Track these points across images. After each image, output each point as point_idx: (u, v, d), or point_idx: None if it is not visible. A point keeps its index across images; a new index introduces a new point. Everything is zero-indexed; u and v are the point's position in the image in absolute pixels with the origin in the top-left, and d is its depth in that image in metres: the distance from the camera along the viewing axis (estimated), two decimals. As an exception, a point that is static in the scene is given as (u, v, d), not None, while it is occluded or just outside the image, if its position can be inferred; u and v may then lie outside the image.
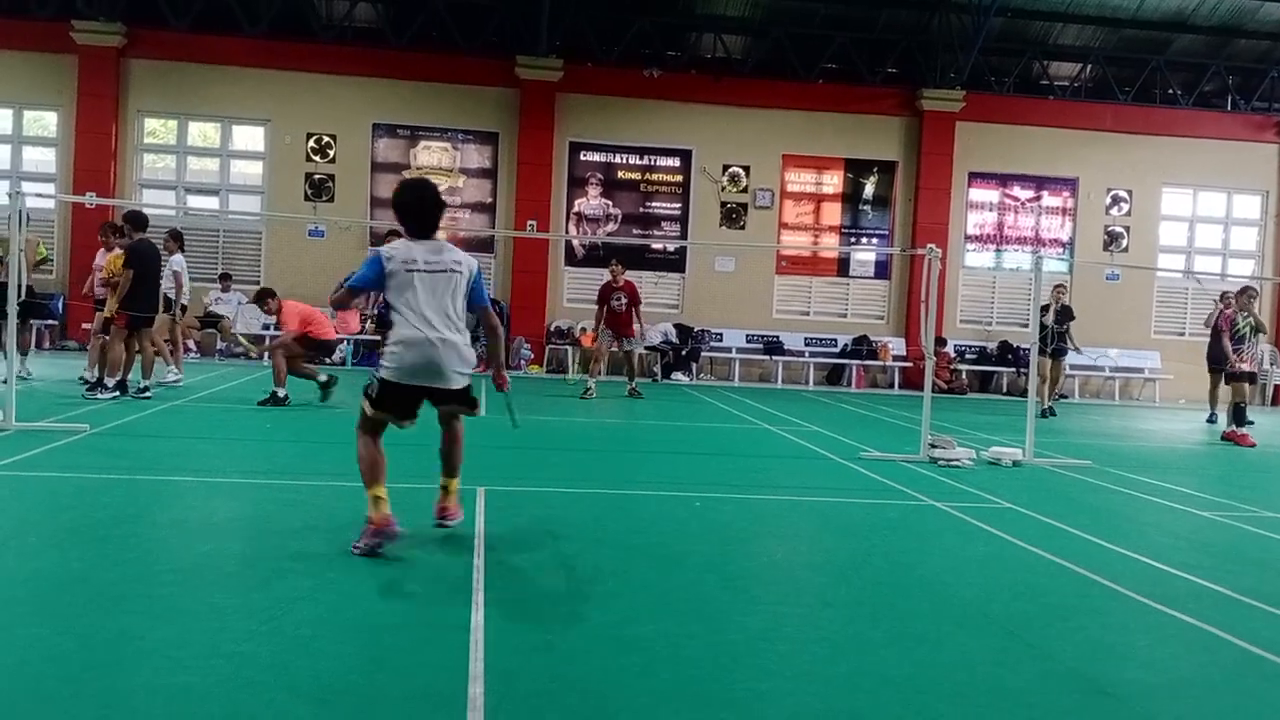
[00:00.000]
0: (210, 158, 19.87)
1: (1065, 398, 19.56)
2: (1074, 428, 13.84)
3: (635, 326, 14.78)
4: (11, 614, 3.80)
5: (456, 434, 5.38)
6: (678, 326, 19.56)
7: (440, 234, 5.25)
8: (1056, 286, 15.80)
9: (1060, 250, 21.25)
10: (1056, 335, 15.11)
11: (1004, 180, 21.26)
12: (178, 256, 12.57)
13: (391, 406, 5.00)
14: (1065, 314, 15.49)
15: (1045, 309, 15.00)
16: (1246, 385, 13.07)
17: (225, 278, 18.79)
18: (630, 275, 15.22)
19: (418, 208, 5.14)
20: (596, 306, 14.98)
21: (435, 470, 5.45)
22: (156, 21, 18.66)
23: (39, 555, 4.67)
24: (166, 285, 12.17)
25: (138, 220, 11.20)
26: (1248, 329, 13.06)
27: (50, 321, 18.02)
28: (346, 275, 5.69)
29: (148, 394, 11.08)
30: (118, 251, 11.60)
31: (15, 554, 4.66)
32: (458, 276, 5.02)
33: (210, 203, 19.95)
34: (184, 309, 12.96)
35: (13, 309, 8.73)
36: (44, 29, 18.35)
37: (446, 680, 3.29)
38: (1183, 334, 21.22)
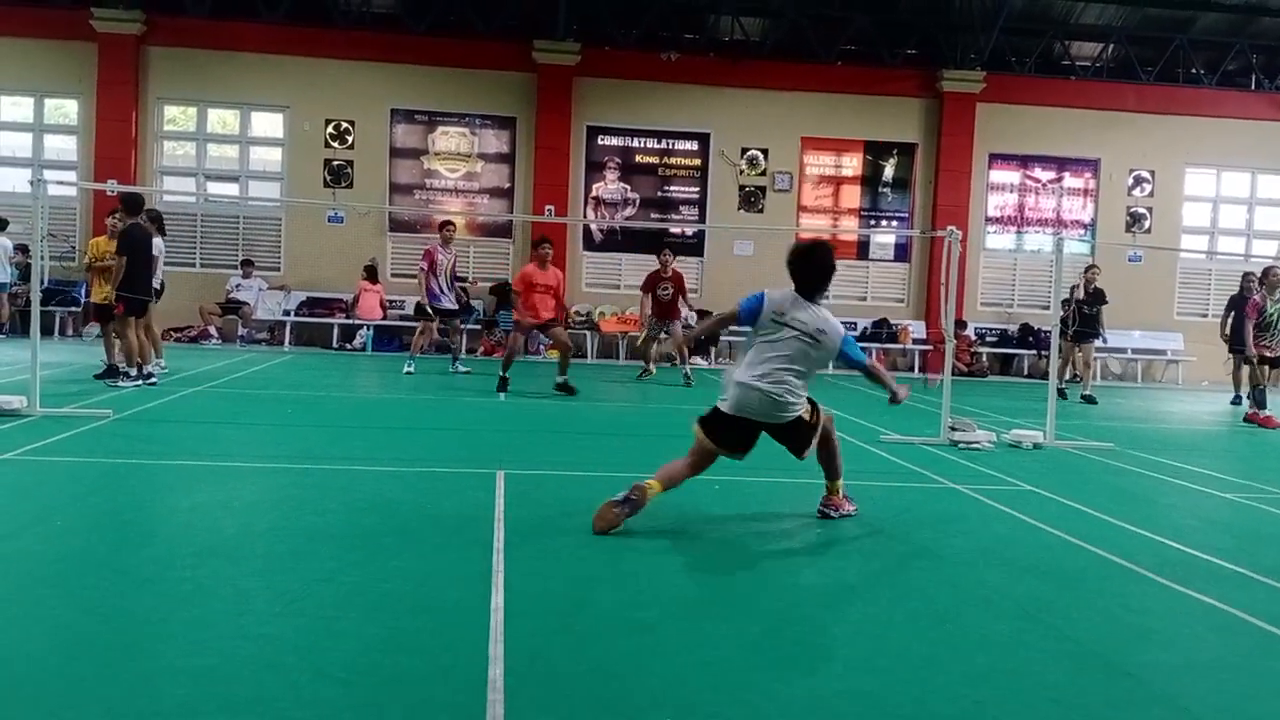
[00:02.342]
0: (229, 144, 19.93)
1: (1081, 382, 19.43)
2: (1096, 410, 13.77)
3: (682, 311, 14.94)
4: (38, 596, 3.84)
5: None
6: (697, 311, 19.53)
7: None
8: (1090, 268, 15.47)
9: (1082, 232, 21.08)
10: (1084, 318, 14.88)
11: (1025, 161, 21.10)
12: (157, 240, 12.23)
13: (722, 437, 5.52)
14: (1098, 297, 15.24)
15: (1074, 290, 14.87)
16: (1267, 368, 12.92)
17: (247, 264, 18.88)
18: (649, 258, 15.22)
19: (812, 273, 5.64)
20: (642, 294, 15.05)
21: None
22: (175, 8, 18.70)
23: (64, 539, 4.73)
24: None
25: (132, 204, 11.07)
26: (1276, 315, 12.82)
27: (73, 309, 18.14)
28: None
29: (153, 379, 11.04)
30: (106, 235, 11.48)
31: (41, 537, 4.71)
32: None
33: (230, 189, 20.02)
34: (158, 294, 12.57)
35: (35, 295, 8.79)
36: (64, 17, 18.42)
37: (467, 661, 3.31)
38: (1206, 315, 21.00)
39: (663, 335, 15.17)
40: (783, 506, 6.45)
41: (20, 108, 19.21)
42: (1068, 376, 15.56)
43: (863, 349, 5.89)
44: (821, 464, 5.83)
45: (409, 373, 13.91)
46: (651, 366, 15.01)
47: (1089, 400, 14.69)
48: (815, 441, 5.61)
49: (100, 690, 3.00)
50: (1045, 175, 21.17)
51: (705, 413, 5.56)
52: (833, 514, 5.80)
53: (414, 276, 18.72)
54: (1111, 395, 16.66)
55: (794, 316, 5.44)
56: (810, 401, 5.61)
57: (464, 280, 17.22)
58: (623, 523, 5.07)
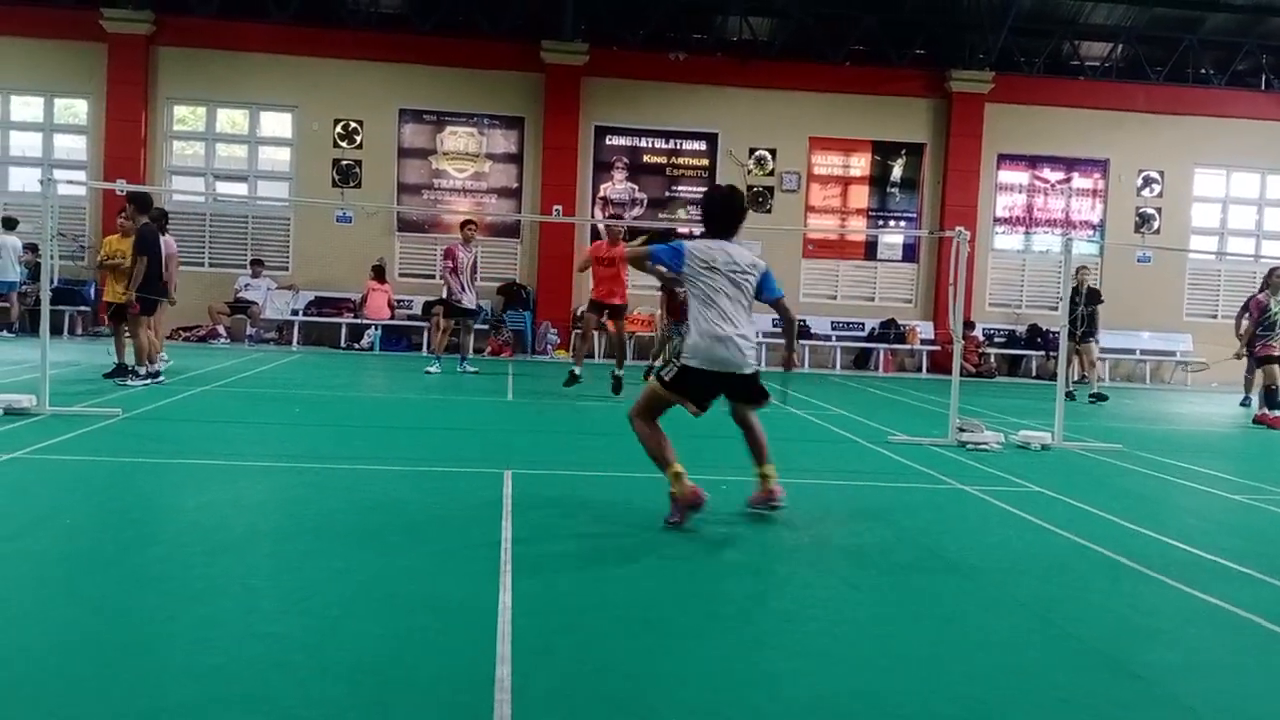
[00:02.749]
0: (238, 144, 19.99)
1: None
2: (1104, 411, 13.74)
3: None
4: (46, 595, 3.86)
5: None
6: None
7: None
8: (1080, 269, 15.52)
9: (1091, 232, 21.04)
10: (1085, 318, 14.91)
11: (1033, 162, 21.06)
12: (167, 238, 12.14)
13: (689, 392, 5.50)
14: (1093, 297, 15.30)
15: (1075, 292, 14.85)
16: (1277, 368, 12.88)
17: (257, 263, 18.93)
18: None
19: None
20: (661, 294, 15.11)
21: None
22: (184, 8, 18.76)
23: (73, 537, 4.74)
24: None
25: (143, 203, 11.08)
26: (1279, 314, 12.84)
27: (82, 308, 18.20)
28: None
29: (161, 379, 11.05)
30: (119, 234, 11.47)
31: (50, 536, 4.73)
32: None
33: (239, 189, 20.07)
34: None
35: (45, 295, 8.83)
36: (74, 17, 18.49)
37: (474, 660, 3.32)
38: (1215, 317, 20.97)
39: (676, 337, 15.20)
40: (787, 507, 6.45)
41: (30, 107, 19.29)
42: (1075, 378, 15.52)
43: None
44: (750, 445, 5.80)
45: (432, 372, 13.89)
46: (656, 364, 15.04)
47: (1099, 398, 14.65)
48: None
49: (108, 688, 3.01)
50: (1054, 176, 21.13)
51: (667, 375, 5.53)
52: (780, 504, 5.72)
53: (422, 276, 18.90)
54: (1120, 396, 16.62)
55: (726, 259, 5.54)
56: None
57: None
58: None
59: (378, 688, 3.09)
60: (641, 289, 17.77)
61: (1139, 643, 3.94)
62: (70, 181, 18.23)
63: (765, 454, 5.80)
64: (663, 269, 5.77)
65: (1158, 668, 3.65)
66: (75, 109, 19.35)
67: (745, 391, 5.65)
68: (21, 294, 17.52)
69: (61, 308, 17.24)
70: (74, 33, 18.56)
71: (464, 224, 14.62)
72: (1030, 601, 4.38)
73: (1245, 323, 13.56)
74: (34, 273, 16.86)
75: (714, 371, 5.44)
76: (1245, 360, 14.76)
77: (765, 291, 5.69)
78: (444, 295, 14.66)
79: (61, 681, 3.05)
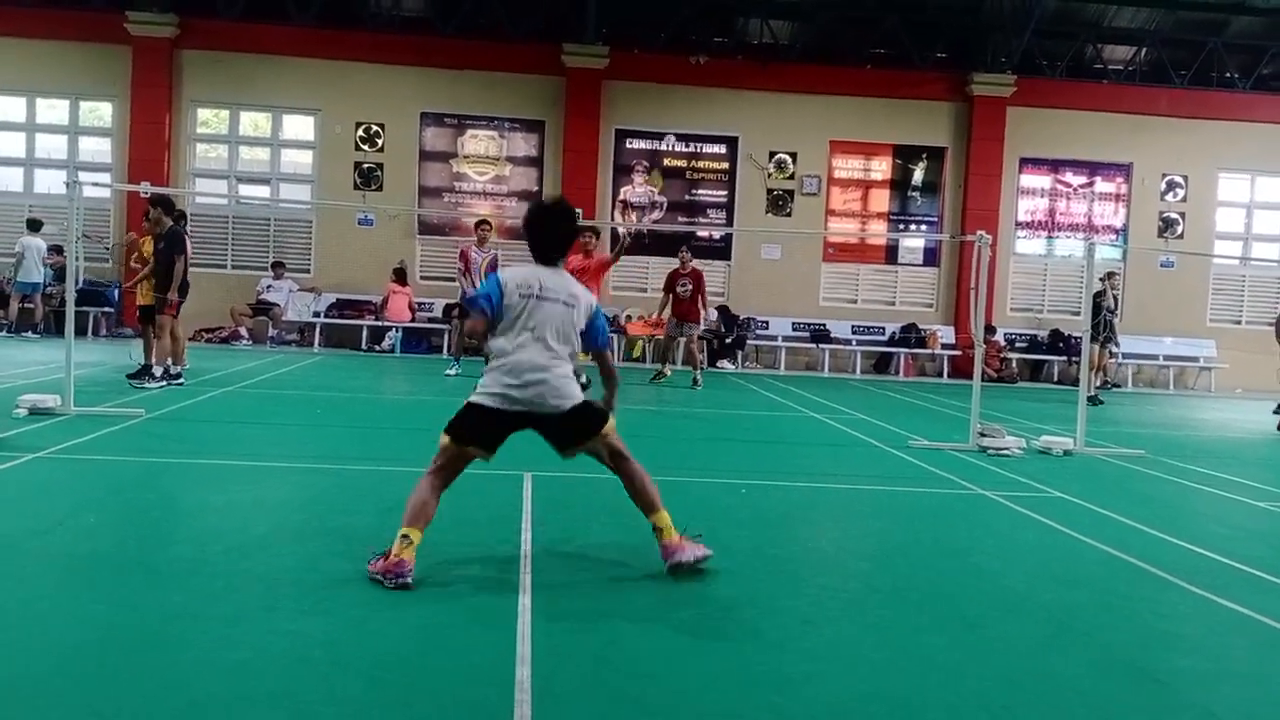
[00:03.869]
0: (261, 147, 20.12)
1: (1118, 386, 19.30)
2: (1127, 417, 13.65)
3: (700, 312, 15.01)
4: (72, 592, 3.89)
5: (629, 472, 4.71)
6: (721, 310, 19.48)
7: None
8: (1109, 274, 15.58)
9: (1114, 237, 20.91)
10: (1107, 324, 14.88)
11: (1056, 166, 20.96)
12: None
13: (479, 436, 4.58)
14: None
15: (1099, 295, 14.79)
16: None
17: (278, 266, 19.04)
18: (674, 263, 15.32)
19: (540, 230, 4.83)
20: (663, 294, 15.17)
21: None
22: (208, 12, 18.91)
23: (97, 535, 4.78)
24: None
25: (170, 205, 11.16)
26: None
27: (106, 309, 18.35)
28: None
29: (181, 380, 11.09)
30: (149, 236, 11.51)
31: (74, 534, 4.77)
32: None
33: (261, 191, 20.20)
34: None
35: (70, 296, 8.90)
36: (99, 20, 18.66)
37: (494, 661, 3.33)
38: (1239, 322, 20.82)
39: (682, 338, 15.27)
40: (805, 509, 6.44)
41: (56, 110, 19.48)
42: (1098, 383, 15.44)
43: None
44: (632, 495, 4.67)
45: (451, 375, 13.92)
46: (667, 369, 15.12)
47: (1094, 401, 14.58)
48: (608, 429, 4.62)
49: (134, 683, 3.03)
50: (1076, 180, 21.03)
51: (454, 417, 4.60)
52: (686, 558, 4.47)
53: (442, 279, 18.93)
54: (1142, 402, 16.51)
55: (543, 286, 4.57)
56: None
57: None
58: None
59: (399, 686, 3.10)
60: (655, 292, 17.77)
61: (1162, 649, 3.91)
62: (95, 184, 18.41)
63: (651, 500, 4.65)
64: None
65: (1181, 674, 3.62)
66: (100, 112, 19.52)
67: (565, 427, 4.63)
68: (46, 295, 17.68)
69: (86, 309, 17.40)
70: (99, 36, 18.73)
71: (477, 224, 14.60)
72: (1053, 607, 4.35)
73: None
74: (59, 274, 17.01)
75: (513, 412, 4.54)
76: None
77: (592, 330, 4.73)
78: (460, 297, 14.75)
79: (91, 676, 3.07)
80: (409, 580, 4.07)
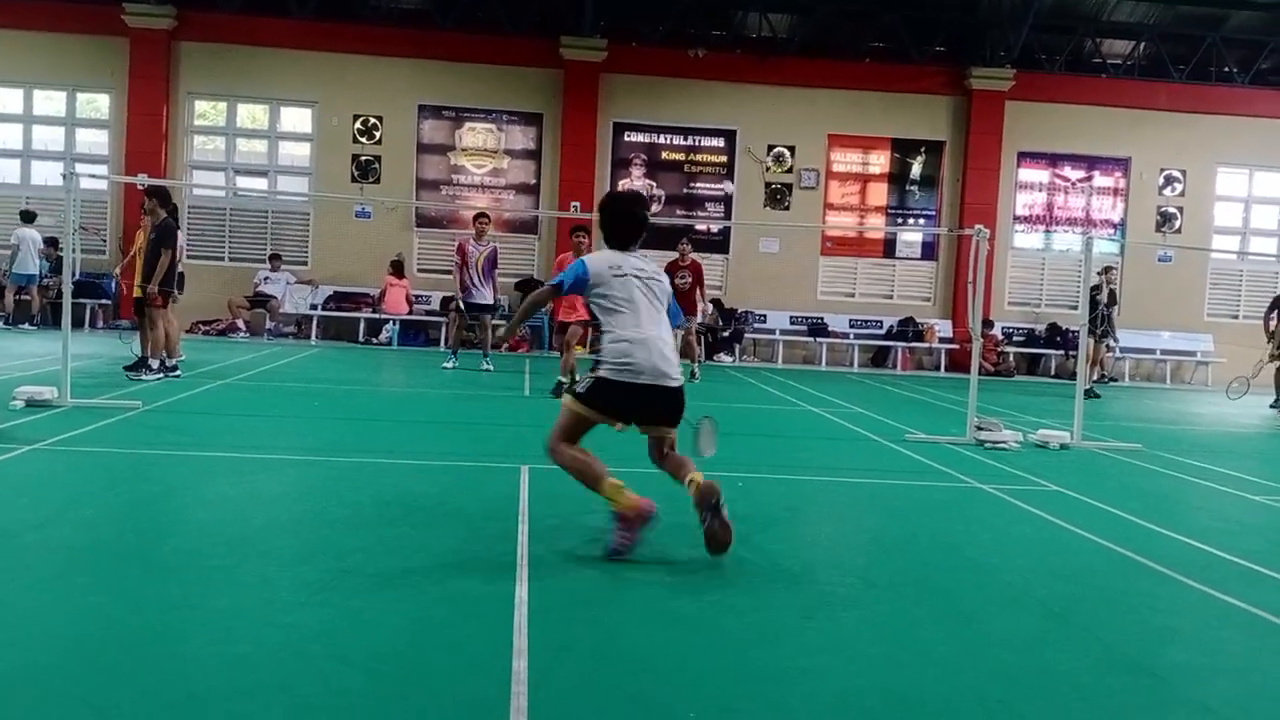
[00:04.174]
0: (259, 139, 20.07)
1: (1115, 380, 19.32)
2: (1124, 411, 13.67)
3: (699, 305, 15.04)
4: (70, 584, 3.89)
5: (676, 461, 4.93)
6: (717, 304, 19.44)
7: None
8: (1107, 268, 15.60)
9: (1111, 231, 20.91)
10: (1105, 318, 14.90)
11: (1054, 160, 20.95)
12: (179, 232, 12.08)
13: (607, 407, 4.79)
14: (1111, 297, 15.32)
15: (1095, 289, 14.81)
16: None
17: (275, 258, 19.01)
18: (672, 256, 15.30)
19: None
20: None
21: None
22: (206, 4, 18.85)
23: (95, 527, 4.78)
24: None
25: (165, 196, 11.12)
26: None
27: (104, 301, 18.32)
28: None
29: (177, 372, 11.09)
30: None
31: (72, 526, 4.77)
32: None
33: (259, 184, 20.16)
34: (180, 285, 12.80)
35: (67, 289, 8.89)
36: (96, 12, 18.59)
37: (491, 653, 3.33)
38: (1236, 317, 20.83)
39: (680, 330, 15.34)
40: (803, 503, 6.45)
41: (53, 101, 19.42)
42: (1094, 377, 15.45)
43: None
44: (672, 471, 4.87)
45: (449, 368, 13.90)
46: None
47: (1091, 395, 14.59)
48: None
49: (132, 675, 3.03)
50: (1075, 174, 21.02)
51: (583, 388, 4.79)
52: (718, 490, 4.65)
53: (440, 272, 18.91)
54: (1140, 396, 16.54)
55: (631, 266, 4.90)
56: None
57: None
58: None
59: (395, 679, 3.11)
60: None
61: (1159, 643, 3.92)
62: (92, 175, 18.33)
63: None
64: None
65: (1178, 668, 3.63)
66: (97, 103, 19.48)
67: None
68: (42, 287, 17.66)
69: (83, 301, 17.38)
70: (96, 28, 18.66)
71: (476, 218, 14.61)
72: (1050, 601, 4.36)
73: (1275, 319, 13.45)
74: (55, 266, 16.99)
75: (640, 385, 4.73)
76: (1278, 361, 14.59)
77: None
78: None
79: (91, 669, 3.08)
80: (655, 509, 4.52)
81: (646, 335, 4.75)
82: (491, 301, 14.64)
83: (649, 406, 4.80)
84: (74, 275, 8.96)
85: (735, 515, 5.66)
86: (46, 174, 19.06)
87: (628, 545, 4.54)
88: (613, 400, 4.75)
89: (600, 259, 4.98)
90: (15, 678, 2.97)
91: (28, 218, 17.40)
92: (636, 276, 4.88)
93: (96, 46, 18.80)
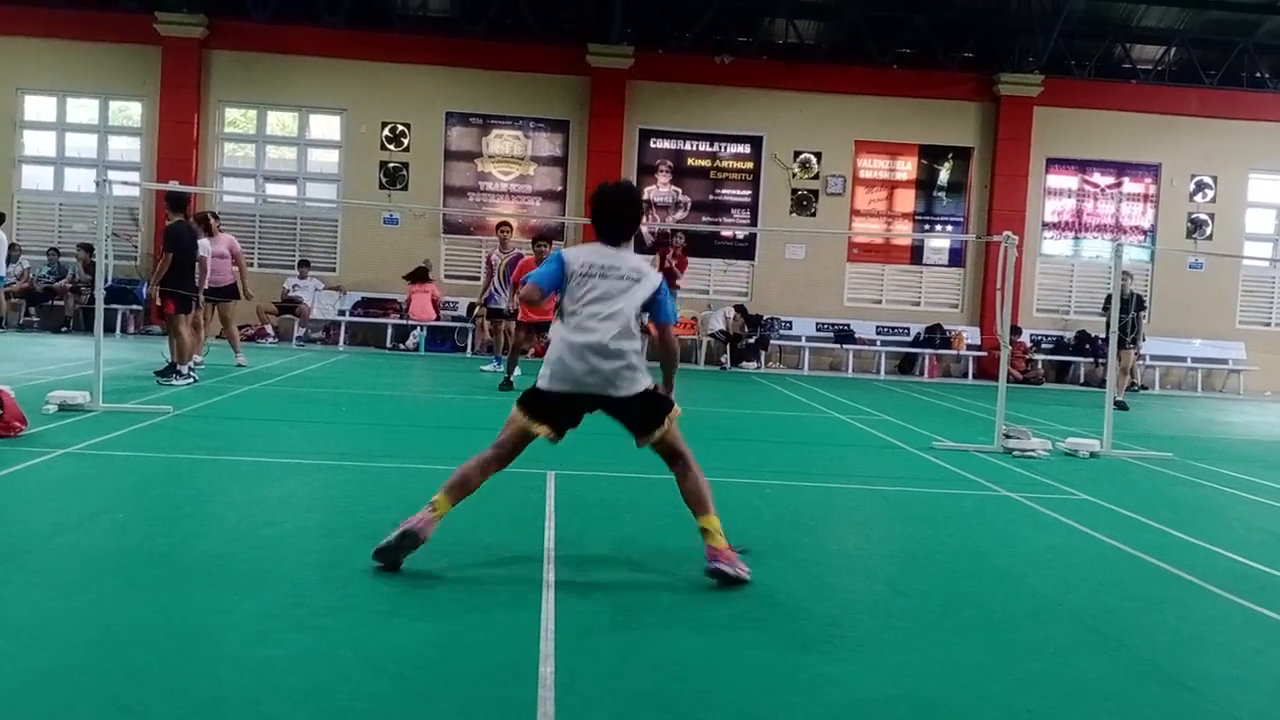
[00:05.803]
0: (288, 146, 20.24)
1: (1145, 388, 19.15)
2: (1154, 420, 13.54)
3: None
4: (101, 588, 3.92)
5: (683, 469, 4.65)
6: (740, 310, 19.36)
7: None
8: (1123, 274, 15.43)
9: (1142, 238, 20.74)
10: (1131, 324, 14.74)
11: (1083, 166, 20.81)
12: (204, 240, 12.08)
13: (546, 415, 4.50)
14: (1138, 303, 15.15)
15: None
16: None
17: (304, 264, 19.16)
18: (698, 261, 15.42)
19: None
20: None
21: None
22: (237, 13, 19.04)
23: (126, 531, 4.82)
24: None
25: (175, 201, 11.21)
26: None
27: (135, 307, 18.51)
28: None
29: (193, 378, 11.08)
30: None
31: (104, 530, 4.82)
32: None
33: (288, 190, 20.33)
34: (228, 293, 13.14)
35: (100, 293, 8.99)
36: (129, 21, 18.83)
37: (518, 658, 3.33)
38: (1269, 324, 20.61)
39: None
40: (830, 511, 6.42)
41: (86, 110, 19.66)
42: (1125, 385, 15.31)
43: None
44: (683, 492, 4.58)
45: (488, 370, 14.34)
46: None
47: (1120, 407, 14.45)
48: (669, 425, 4.53)
49: (162, 678, 3.05)
50: (1104, 180, 20.87)
51: (524, 393, 4.59)
52: (727, 569, 4.30)
53: (467, 278, 19.05)
54: (1170, 404, 16.37)
55: (608, 264, 4.53)
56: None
57: None
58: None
59: (424, 683, 3.12)
60: (680, 292, 17.82)
61: (1191, 654, 3.87)
62: (125, 183, 18.55)
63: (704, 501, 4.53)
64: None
65: (1210, 679, 3.58)
66: (130, 111, 19.70)
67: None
68: (75, 291, 17.81)
69: (114, 306, 17.55)
70: (129, 36, 18.90)
71: (497, 226, 14.97)
72: (1079, 610, 4.32)
73: None
74: (89, 271, 17.13)
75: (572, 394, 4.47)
76: None
77: (658, 305, 4.61)
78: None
79: (120, 671, 3.10)
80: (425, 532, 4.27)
81: (589, 340, 4.37)
82: (510, 308, 14.74)
83: (602, 411, 4.52)
84: (106, 281, 9.06)
85: (761, 523, 5.67)
86: (79, 181, 19.29)
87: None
88: (544, 407, 4.50)
89: (577, 252, 4.65)
90: (48, 678, 3.00)
91: None
92: (606, 276, 4.49)
93: (129, 55, 19.02)
